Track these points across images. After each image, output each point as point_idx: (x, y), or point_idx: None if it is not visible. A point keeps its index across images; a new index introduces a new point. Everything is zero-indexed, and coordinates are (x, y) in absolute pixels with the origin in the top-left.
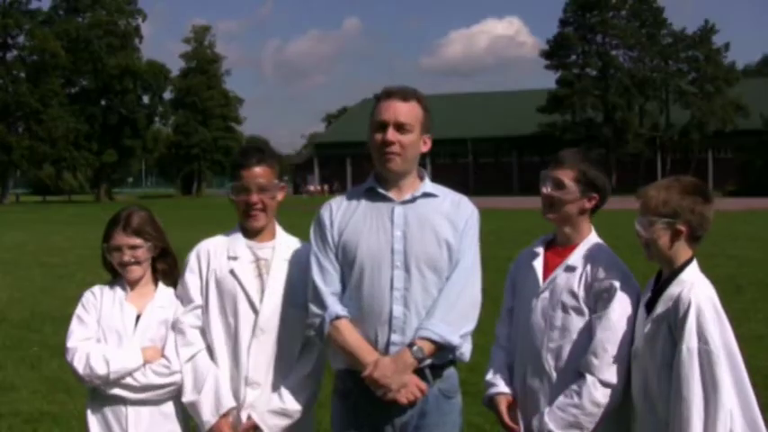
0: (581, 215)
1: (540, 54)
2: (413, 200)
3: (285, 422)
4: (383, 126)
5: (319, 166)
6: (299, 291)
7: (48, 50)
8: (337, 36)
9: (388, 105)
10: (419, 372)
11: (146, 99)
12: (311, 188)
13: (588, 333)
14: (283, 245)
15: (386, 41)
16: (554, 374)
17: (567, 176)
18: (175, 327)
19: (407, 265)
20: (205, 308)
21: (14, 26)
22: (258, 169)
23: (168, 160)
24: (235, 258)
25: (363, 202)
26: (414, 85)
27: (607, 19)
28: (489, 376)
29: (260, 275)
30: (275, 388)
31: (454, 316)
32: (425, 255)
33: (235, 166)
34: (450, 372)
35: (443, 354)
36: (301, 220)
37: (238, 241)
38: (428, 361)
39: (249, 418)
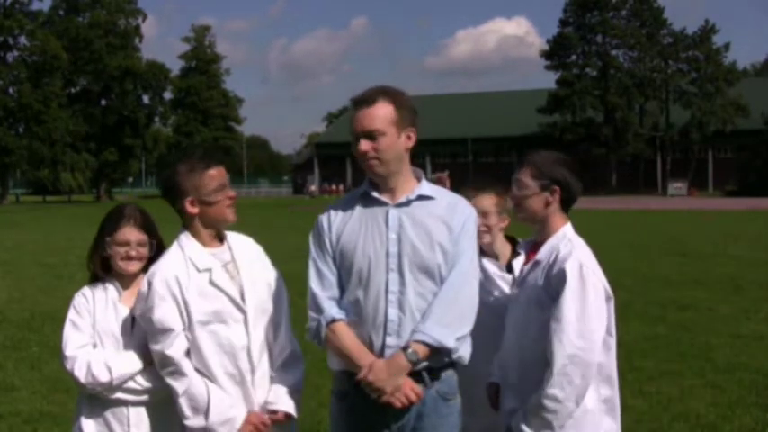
0: (547, 209)
1: (540, 54)
2: (407, 203)
3: (297, 397)
4: (356, 137)
5: (319, 166)
6: (267, 286)
7: (49, 52)
8: (345, 35)
9: (356, 115)
10: (416, 374)
11: (146, 99)
12: (313, 188)
13: (546, 326)
14: (234, 242)
15: (394, 41)
16: (518, 368)
17: (524, 175)
18: (162, 361)
19: (401, 268)
20: (189, 328)
21: (16, 27)
22: (214, 171)
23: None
24: (208, 270)
25: (359, 207)
26: (419, 84)
27: (607, 19)
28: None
29: (233, 278)
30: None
31: (450, 318)
32: (418, 258)
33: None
34: (449, 374)
35: (439, 357)
36: (304, 222)
37: (199, 253)
38: (424, 364)
39: (274, 412)
